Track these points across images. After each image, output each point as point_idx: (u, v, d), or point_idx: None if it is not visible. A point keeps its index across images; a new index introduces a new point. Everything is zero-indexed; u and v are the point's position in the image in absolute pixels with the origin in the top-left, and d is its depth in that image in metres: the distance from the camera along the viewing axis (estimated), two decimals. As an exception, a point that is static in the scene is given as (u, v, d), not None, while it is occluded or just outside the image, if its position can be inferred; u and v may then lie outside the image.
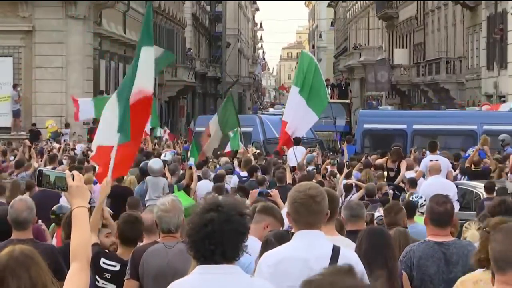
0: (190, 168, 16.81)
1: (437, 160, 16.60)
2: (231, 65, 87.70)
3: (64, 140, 30.45)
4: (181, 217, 6.69)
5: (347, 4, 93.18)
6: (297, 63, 21.09)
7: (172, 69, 56.17)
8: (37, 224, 8.31)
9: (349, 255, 5.24)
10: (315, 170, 19.09)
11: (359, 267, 4.85)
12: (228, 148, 21.83)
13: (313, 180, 14.27)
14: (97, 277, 7.27)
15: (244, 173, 17.40)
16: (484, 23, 44.00)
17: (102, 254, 7.38)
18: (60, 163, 19.33)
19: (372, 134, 29.58)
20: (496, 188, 13.47)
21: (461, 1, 46.60)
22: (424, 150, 22.72)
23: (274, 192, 10.72)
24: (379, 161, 19.06)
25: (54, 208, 9.57)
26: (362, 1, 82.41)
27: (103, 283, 7.32)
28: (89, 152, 20.53)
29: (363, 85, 67.40)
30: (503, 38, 40.55)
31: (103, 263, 7.32)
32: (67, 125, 35.29)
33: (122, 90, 9.50)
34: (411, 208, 10.16)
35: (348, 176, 17.50)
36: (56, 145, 26.49)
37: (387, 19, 68.06)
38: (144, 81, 9.35)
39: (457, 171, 19.14)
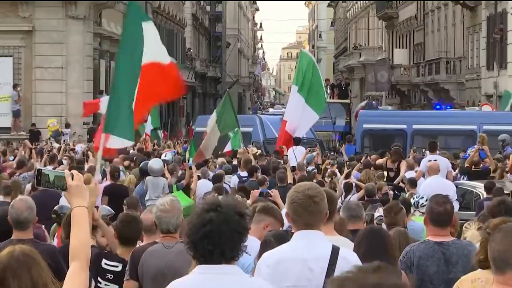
0: (190, 168, 16.80)
1: (435, 160, 16.59)
2: (231, 65, 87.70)
3: (64, 140, 30.44)
4: (180, 217, 6.69)
5: (347, 4, 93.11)
6: (297, 63, 21.10)
7: (172, 69, 56.06)
8: (37, 224, 8.30)
9: (349, 255, 5.22)
10: (315, 170, 19.08)
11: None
12: (228, 148, 21.79)
13: (313, 180, 14.27)
14: (99, 278, 7.23)
15: (244, 173, 17.38)
16: (484, 23, 43.97)
17: (103, 255, 7.34)
18: (60, 163, 19.30)
19: (372, 134, 29.55)
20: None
21: (461, 1, 46.56)
22: (424, 150, 22.72)
23: (274, 192, 10.73)
24: (379, 161, 19.07)
25: (55, 208, 9.56)
26: (362, 1, 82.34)
27: (105, 284, 7.27)
28: (89, 152, 20.52)
29: (363, 85, 67.39)
30: (503, 38, 40.52)
31: (105, 264, 7.27)
32: (67, 125, 35.27)
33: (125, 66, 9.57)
34: (406, 205, 10.20)
35: (347, 176, 17.51)
36: (56, 145, 26.48)
37: (387, 19, 68.00)
38: (156, 55, 9.45)
39: (457, 171, 19.14)
